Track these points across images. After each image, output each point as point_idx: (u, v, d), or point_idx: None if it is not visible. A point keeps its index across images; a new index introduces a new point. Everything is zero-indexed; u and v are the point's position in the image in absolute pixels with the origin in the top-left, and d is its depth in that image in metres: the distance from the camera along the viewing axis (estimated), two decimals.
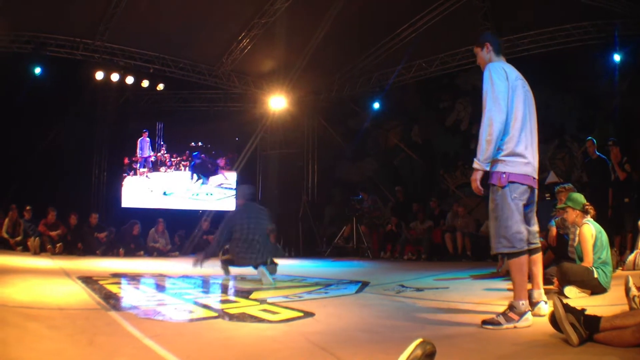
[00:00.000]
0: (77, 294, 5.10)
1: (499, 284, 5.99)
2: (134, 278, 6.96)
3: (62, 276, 6.80)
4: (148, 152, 15.14)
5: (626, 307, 3.53)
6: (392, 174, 14.92)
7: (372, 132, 15.29)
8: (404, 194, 13.65)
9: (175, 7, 10.78)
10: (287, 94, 14.13)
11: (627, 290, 3.61)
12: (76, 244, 11.56)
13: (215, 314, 4.16)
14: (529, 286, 3.78)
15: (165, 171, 15.29)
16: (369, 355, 2.90)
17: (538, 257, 3.86)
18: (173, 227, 13.16)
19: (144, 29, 11.53)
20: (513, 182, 3.59)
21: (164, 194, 15.00)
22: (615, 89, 10.68)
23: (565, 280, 4.75)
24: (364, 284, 6.25)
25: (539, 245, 3.87)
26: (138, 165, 15.01)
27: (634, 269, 6.56)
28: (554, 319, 2.99)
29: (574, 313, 2.93)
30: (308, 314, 4.07)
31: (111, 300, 4.72)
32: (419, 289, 5.81)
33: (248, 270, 6.98)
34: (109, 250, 11.74)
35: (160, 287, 6.25)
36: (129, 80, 12.81)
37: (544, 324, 3.18)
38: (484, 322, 3.50)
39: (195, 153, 15.47)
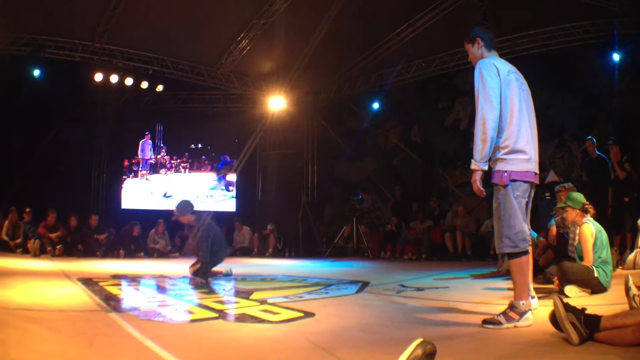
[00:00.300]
0: (77, 296, 5.10)
1: (499, 284, 5.99)
2: (134, 279, 6.96)
3: (62, 278, 6.80)
4: (149, 154, 15.16)
5: (626, 306, 3.53)
6: (392, 174, 14.92)
7: (371, 132, 15.30)
8: (403, 194, 13.65)
9: (174, 8, 10.78)
10: (287, 94, 14.14)
11: (627, 289, 3.61)
12: (76, 245, 11.54)
13: (216, 315, 4.16)
14: None
15: (165, 173, 15.30)
16: (370, 355, 2.90)
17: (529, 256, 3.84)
18: (173, 228, 13.14)
19: (143, 30, 11.54)
20: (515, 180, 3.57)
21: (164, 196, 14.99)
22: (614, 88, 10.68)
23: (566, 280, 4.75)
24: (364, 284, 6.24)
25: (530, 242, 3.82)
26: (139, 167, 15.01)
27: (634, 268, 6.56)
28: (554, 318, 2.99)
29: (574, 312, 2.93)
30: (308, 314, 4.07)
31: (111, 302, 4.72)
32: (419, 289, 5.80)
33: (248, 271, 6.97)
34: (109, 251, 11.73)
35: (160, 288, 6.25)
36: (128, 81, 12.83)
37: (545, 323, 3.18)
38: (485, 322, 3.50)
39: (223, 156, 15.51)
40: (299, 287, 6.14)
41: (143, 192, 15.02)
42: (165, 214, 13.56)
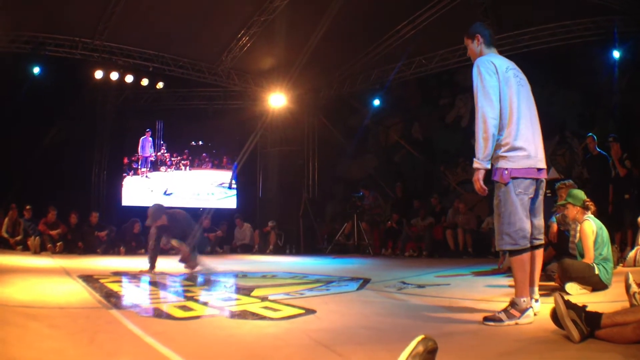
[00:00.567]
0: (78, 293, 5.10)
1: (500, 281, 5.99)
2: (135, 276, 6.96)
3: (62, 275, 6.81)
4: (149, 151, 15.14)
5: (627, 304, 3.53)
6: (393, 171, 14.92)
7: (372, 129, 15.29)
8: (404, 191, 13.66)
9: (174, 5, 10.76)
10: (287, 91, 14.13)
11: (628, 287, 3.61)
12: (77, 242, 11.56)
13: (217, 312, 4.16)
14: None
15: (165, 171, 15.28)
16: (371, 352, 2.89)
17: (539, 253, 3.79)
18: None
19: (143, 27, 11.52)
20: (516, 178, 3.56)
21: (165, 193, 14.99)
22: (615, 86, 10.67)
23: (567, 277, 4.75)
24: (365, 281, 6.25)
25: (542, 241, 3.82)
26: (139, 164, 15.00)
27: (634, 265, 6.55)
28: (555, 316, 2.99)
29: (575, 310, 2.93)
30: (309, 311, 4.07)
31: (112, 299, 4.72)
32: (420, 286, 5.80)
33: (249, 268, 6.97)
34: (109, 248, 11.75)
35: (161, 285, 6.25)
36: (129, 79, 12.81)
37: (546, 320, 3.18)
38: (486, 319, 3.49)
39: (235, 164, 15.60)
40: (300, 284, 6.14)
41: (143, 189, 15.00)
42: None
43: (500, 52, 3.96)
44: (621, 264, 6.64)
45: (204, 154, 15.58)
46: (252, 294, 5.19)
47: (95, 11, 10.77)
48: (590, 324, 2.87)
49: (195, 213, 14.06)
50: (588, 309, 2.96)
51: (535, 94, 3.85)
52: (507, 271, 6.18)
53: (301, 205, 14.26)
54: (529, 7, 10.46)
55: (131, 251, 11.85)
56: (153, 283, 6.40)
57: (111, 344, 3.04)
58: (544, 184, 3.79)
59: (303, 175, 15.56)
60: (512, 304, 3.49)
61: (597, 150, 9.04)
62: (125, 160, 15.02)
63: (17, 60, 11.41)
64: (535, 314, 3.55)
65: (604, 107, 11.19)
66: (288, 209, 14.18)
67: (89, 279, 6.22)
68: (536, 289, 3.74)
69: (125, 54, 12.48)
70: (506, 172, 3.56)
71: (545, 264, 6.06)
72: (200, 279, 6.71)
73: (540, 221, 3.80)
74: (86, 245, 11.55)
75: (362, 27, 11.80)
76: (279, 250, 13.23)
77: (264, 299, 4.79)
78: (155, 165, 15.18)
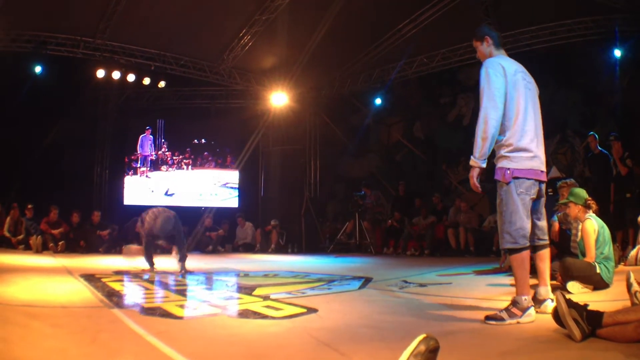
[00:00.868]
0: (80, 292, 5.11)
1: (502, 280, 5.99)
2: (137, 275, 6.97)
3: (64, 274, 6.81)
4: (149, 150, 15.08)
5: (628, 303, 3.53)
6: (395, 170, 14.92)
7: (374, 128, 15.29)
8: (405, 189, 13.64)
9: (175, 4, 10.77)
10: (289, 90, 14.13)
11: (629, 285, 3.61)
12: (78, 242, 11.56)
13: (219, 311, 4.17)
14: (536, 282, 3.78)
15: (166, 170, 15.21)
16: (373, 351, 2.90)
17: (545, 253, 3.80)
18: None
19: (144, 26, 11.53)
20: (518, 178, 3.58)
21: (166, 194, 14.95)
22: (616, 85, 10.66)
23: (568, 276, 4.75)
24: (367, 280, 6.25)
25: (547, 241, 3.83)
26: (138, 163, 14.96)
27: (636, 264, 6.54)
28: (556, 315, 2.99)
29: (576, 308, 2.93)
30: (311, 310, 4.07)
31: (114, 298, 4.73)
32: (422, 285, 5.80)
33: (251, 266, 6.97)
34: (111, 247, 11.74)
35: (163, 284, 6.26)
36: (130, 78, 12.82)
37: (547, 319, 3.18)
38: (487, 318, 3.50)
39: None
40: (302, 283, 6.14)
41: (143, 190, 14.94)
42: None
43: None
44: (622, 263, 6.63)
45: (205, 153, 15.54)
46: (254, 293, 5.20)
47: (96, 10, 10.77)
48: (591, 322, 2.87)
49: (197, 212, 14.16)
50: (589, 307, 2.95)
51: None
52: (509, 270, 6.15)
53: (303, 204, 14.26)
54: (529, 5, 10.44)
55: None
56: (155, 282, 6.41)
57: (113, 343, 3.05)
58: (544, 186, 3.81)
59: (305, 174, 15.56)
60: (514, 302, 3.50)
61: (599, 149, 9.03)
62: (125, 160, 14.99)
63: (18, 59, 11.42)
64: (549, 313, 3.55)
65: (605, 105, 11.19)
66: (290, 208, 14.17)
67: (91, 278, 6.23)
68: (549, 288, 3.74)
69: (127, 53, 12.48)
70: (508, 171, 3.58)
71: None
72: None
73: (543, 222, 3.83)
74: (88, 245, 11.56)
75: (363, 26, 11.81)
76: (280, 249, 13.23)
77: (265, 298, 4.79)
78: (155, 165, 15.13)
